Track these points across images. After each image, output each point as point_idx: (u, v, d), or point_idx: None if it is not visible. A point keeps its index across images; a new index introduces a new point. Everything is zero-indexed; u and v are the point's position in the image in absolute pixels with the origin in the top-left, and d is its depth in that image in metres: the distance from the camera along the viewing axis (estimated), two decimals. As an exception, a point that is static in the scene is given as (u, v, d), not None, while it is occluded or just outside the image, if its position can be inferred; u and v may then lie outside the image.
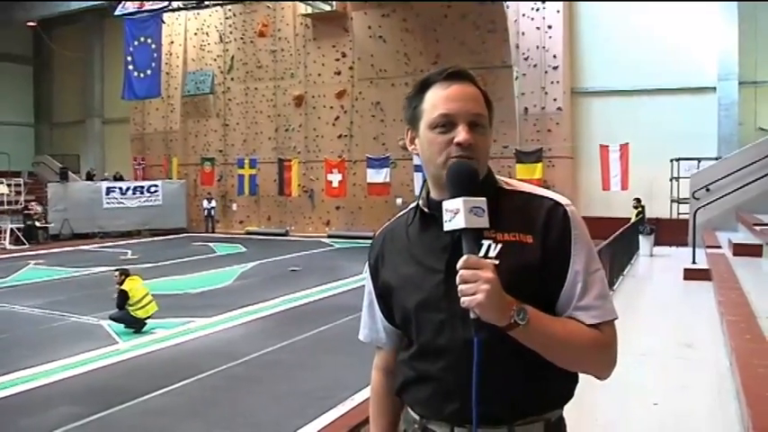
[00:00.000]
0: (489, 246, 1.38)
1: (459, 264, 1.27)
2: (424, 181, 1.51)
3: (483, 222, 1.30)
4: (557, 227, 1.39)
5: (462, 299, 1.26)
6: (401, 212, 1.61)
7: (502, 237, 1.39)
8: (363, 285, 1.65)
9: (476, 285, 1.24)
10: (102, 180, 25.68)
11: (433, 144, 1.41)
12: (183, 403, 6.51)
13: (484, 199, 1.31)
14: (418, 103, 1.45)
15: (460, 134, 1.37)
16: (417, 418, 1.47)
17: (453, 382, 1.37)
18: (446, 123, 1.39)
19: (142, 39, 22.09)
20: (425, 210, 1.48)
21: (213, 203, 24.68)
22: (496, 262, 1.34)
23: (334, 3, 21.65)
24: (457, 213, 1.30)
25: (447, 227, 1.31)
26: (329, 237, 22.14)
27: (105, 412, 6.15)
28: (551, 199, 1.43)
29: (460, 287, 1.26)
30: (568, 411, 1.47)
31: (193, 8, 22.04)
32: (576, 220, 1.42)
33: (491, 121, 1.47)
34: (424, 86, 1.45)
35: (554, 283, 1.39)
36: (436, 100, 1.41)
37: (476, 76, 1.47)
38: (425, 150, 1.44)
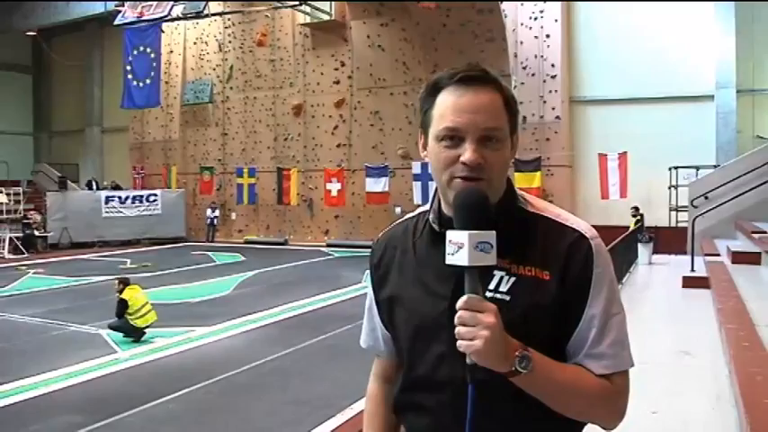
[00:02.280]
0: (502, 278, 1.26)
1: (459, 304, 1.16)
2: (436, 190, 1.37)
3: (490, 260, 1.18)
4: (578, 264, 1.26)
5: (459, 342, 1.15)
6: (405, 217, 1.50)
7: (517, 269, 1.27)
8: (362, 294, 1.61)
9: (475, 330, 1.13)
10: (101, 189, 25.70)
11: (438, 159, 1.28)
12: (184, 412, 6.50)
13: (493, 233, 1.18)
14: (429, 107, 1.30)
15: (467, 153, 1.23)
16: None
17: (449, 417, 1.27)
18: (453, 137, 1.25)
19: (141, 48, 22.17)
20: (435, 227, 1.34)
21: (217, 212, 24.71)
22: (507, 298, 1.24)
23: (332, 4, 21.71)
24: (461, 248, 1.17)
25: (449, 260, 1.19)
26: (328, 246, 22.12)
27: (107, 421, 6.14)
28: (576, 230, 1.30)
29: (458, 329, 1.15)
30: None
31: (193, 18, 22.12)
32: (601, 256, 1.29)
33: (514, 127, 1.31)
34: (435, 88, 1.30)
35: (567, 325, 1.27)
36: (444, 109, 1.26)
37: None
38: (432, 163, 1.30)
